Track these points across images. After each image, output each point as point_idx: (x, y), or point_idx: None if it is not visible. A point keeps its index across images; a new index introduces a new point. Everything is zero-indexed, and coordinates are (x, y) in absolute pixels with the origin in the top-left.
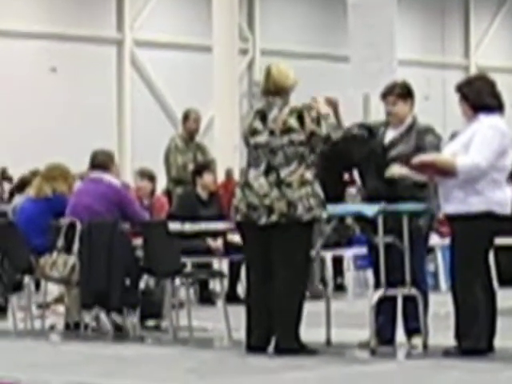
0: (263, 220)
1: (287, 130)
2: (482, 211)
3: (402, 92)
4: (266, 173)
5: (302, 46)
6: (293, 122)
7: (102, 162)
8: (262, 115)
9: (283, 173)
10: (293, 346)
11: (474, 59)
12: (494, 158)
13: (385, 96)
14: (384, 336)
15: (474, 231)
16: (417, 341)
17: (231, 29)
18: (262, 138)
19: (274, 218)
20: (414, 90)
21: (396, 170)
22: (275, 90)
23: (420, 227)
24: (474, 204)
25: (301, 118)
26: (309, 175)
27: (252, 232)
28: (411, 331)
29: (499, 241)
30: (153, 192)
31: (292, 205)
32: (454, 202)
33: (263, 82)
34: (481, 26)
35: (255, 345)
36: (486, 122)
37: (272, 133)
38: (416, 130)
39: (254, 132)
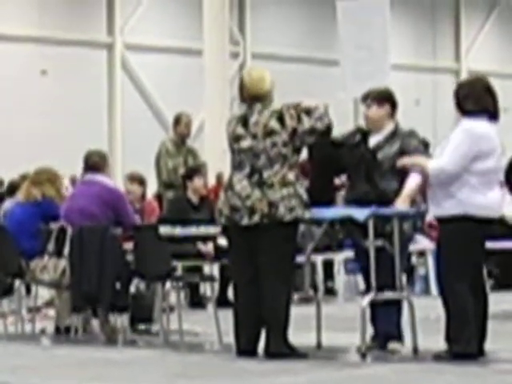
0: (245, 221)
1: (269, 132)
2: (456, 214)
3: (378, 96)
4: (250, 175)
5: (292, 50)
6: (273, 123)
7: (95, 163)
8: (244, 121)
9: (266, 174)
10: (282, 350)
11: (465, 63)
12: (464, 162)
13: (364, 100)
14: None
15: (450, 234)
16: (395, 345)
17: (222, 32)
18: (246, 143)
19: (255, 218)
20: (405, 94)
21: (402, 206)
22: (250, 97)
23: (404, 231)
24: (447, 207)
25: (281, 119)
26: (291, 176)
27: (236, 234)
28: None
29: (486, 245)
30: (143, 196)
31: (273, 205)
32: (432, 205)
33: (238, 90)
34: (471, 31)
35: (244, 349)
36: (462, 126)
37: (254, 137)
38: (400, 136)
39: (237, 138)
